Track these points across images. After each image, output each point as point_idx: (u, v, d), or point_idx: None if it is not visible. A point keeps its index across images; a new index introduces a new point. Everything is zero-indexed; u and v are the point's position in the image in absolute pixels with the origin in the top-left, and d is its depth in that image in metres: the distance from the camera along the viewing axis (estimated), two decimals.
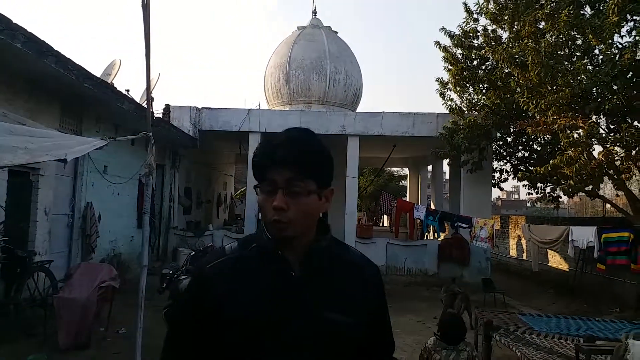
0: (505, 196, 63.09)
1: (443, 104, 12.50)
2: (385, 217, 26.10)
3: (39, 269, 6.40)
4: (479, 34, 11.54)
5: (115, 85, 9.76)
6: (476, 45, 11.70)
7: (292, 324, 1.11)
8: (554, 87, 8.85)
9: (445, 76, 12.22)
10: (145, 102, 11.62)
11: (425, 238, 14.46)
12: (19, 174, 6.60)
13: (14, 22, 5.35)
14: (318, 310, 1.13)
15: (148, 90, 4.11)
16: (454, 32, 11.75)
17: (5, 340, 5.49)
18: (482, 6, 11.12)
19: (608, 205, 14.90)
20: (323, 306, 1.14)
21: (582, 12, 9.33)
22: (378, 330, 1.27)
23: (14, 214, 6.50)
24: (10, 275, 6.07)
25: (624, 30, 8.96)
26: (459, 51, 11.89)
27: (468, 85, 12.13)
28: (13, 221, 6.41)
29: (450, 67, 11.78)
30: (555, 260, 14.25)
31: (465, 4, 11.60)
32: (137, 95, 11.93)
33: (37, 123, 5.10)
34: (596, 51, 9.20)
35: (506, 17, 10.39)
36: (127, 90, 10.11)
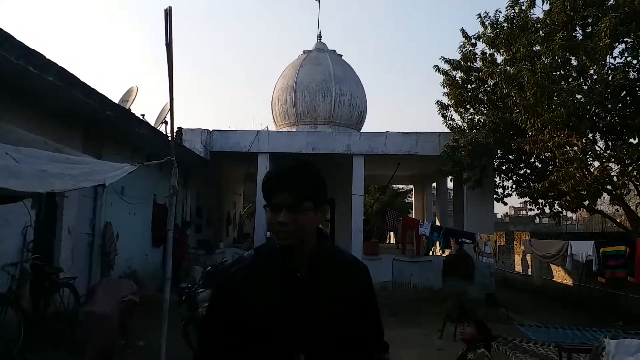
0: (512, 212, 62.90)
1: (444, 123, 12.86)
2: (392, 234, 26.31)
3: (64, 285, 6.82)
4: (477, 56, 11.97)
5: (132, 111, 10.31)
6: (475, 67, 12.13)
7: (300, 315, 1.41)
8: (550, 106, 9.19)
9: (445, 99, 12.65)
10: (160, 125, 12.08)
11: (431, 254, 14.71)
12: (47, 196, 7.06)
13: (47, 57, 5.89)
14: (321, 304, 1.44)
15: (172, 122, 4.57)
16: (453, 60, 12.22)
17: (36, 351, 5.86)
18: (481, 34, 11.61)
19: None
20: (325, 300, 1.44)
21: (575, 35, 9.76)
22: (369, 317, 1.59)
23: (42, 233, 6.96)
24: (39, 291, 6.51)
25: (616, 52, 9.37)
26: (458, 74, 12.33)
27: (468, 106, 12.52)
28: (41, 240, 6.86)
29: (448, 92, 12.22)
30: (560, 275, 14.44)
31: (463, 30, 12.08)
32: (151, 117, 12.49)
33: (68, 149, 5.57)
34: (591, 71, 9.56)
35: (502, 41, 10.83)
36: (143, 115, 10.66)
